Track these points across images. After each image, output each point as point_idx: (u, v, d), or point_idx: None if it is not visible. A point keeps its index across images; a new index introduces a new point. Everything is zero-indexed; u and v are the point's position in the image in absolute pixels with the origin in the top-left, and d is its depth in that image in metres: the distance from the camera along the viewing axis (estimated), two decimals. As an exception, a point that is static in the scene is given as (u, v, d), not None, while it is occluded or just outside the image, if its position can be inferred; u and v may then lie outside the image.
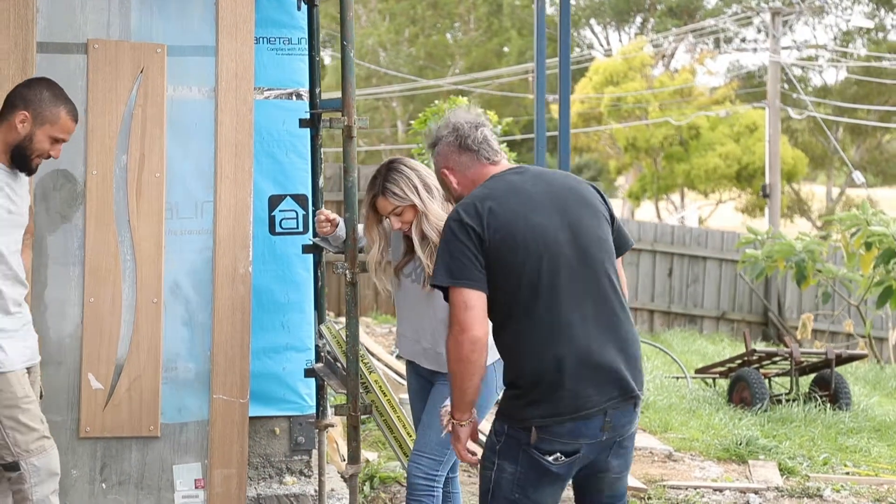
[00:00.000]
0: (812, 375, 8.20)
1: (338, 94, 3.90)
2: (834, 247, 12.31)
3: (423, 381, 3.90)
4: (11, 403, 3.48)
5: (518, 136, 22.90)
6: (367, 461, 5.49)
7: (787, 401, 7.69)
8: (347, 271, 3.76)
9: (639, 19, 33.26)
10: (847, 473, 5.96)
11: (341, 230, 3.94)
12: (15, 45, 3.95)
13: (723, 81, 30.52)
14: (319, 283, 4.51)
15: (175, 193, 4.11)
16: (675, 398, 7.94)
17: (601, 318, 2.92)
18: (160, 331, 4.07)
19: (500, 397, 3.40)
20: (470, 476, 5.35)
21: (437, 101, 9.90)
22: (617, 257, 3.06)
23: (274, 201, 4.53)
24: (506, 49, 30.21)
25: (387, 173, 3.71)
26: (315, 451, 4.67)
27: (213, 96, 4.12)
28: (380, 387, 4.07)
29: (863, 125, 26.83)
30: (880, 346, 13.20)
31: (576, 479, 3.03)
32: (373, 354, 7.79)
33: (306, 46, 4.50)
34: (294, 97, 4.51)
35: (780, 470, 5.90)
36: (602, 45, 33.42)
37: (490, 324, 2.95)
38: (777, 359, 8.28)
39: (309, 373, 4.50)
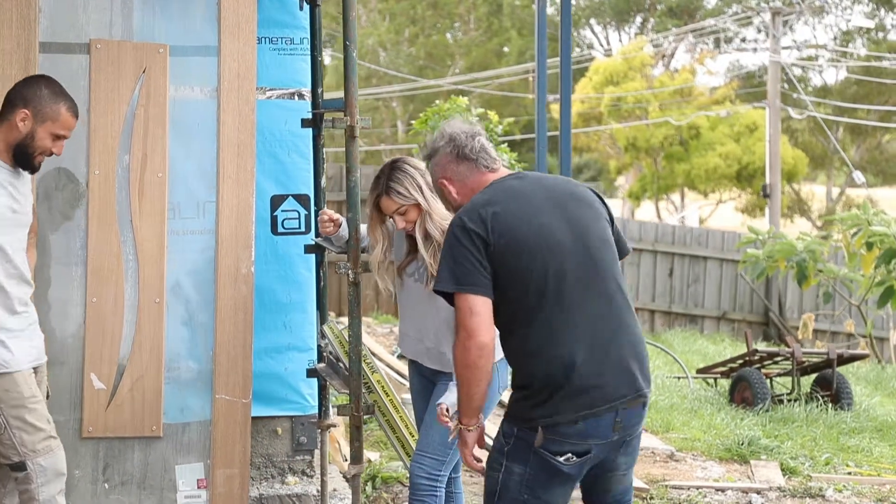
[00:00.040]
0: (814, 375, 8.19)
1: (339, 95, 3.90)
2: (835, 247, 12.31)
3: (425, 381, 3.89)
4: (18, 403, 3.47)
5: (518, 136, 22.90)
6: (369, 461, 5.48)
7: (789, 401, 7.69)
8: (350, 271, 3.76)
9: (639, 19, 33.27)
10: (849, 473, 5.96)
11: (344, 230, 3.94)
12: (17, 45, 3.95)
13: (723, 81, 30.55)
14: (321, 283, 4.50)
15: (177, 193, 4.11)
16: (676, 398, 7.94)
17: (609, 318, 2.93)
18: (162, 331, 4.06)
19: (502, 398, 3.39)
20: (472, 476, 5.34)
21: (437, 101, 9.90)
22: None
23: (276, 201, 4.53)
24: (506, 49, 30.22)
25: (390, 173, 3.71)
26: (317, 452, 4.66)
27: (215, 96, 4.12)
28: (382, 387, 4.07)
29: (863, 125, 26.84)
30: (881, 346, 13.20)
31: (584, 478, 3.03)
32: (374, 354, 7.78)
33: (308, 46, 4.50)
34: (296, 97, 4.51)
35: (782, 470, 5.90)
36: (602, 45, 33.44)
37: (497, 330, 2.95)
38: (779, 359, 8.28)
39: (311, 373, 4.49)
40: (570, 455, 2.88)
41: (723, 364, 8.67)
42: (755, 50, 30.58)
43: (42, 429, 3.52)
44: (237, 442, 4.10)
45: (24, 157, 3.52)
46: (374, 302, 12.34)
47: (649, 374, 3.01)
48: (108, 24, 4.07)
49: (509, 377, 3.94)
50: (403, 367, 7.65)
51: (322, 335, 4.43)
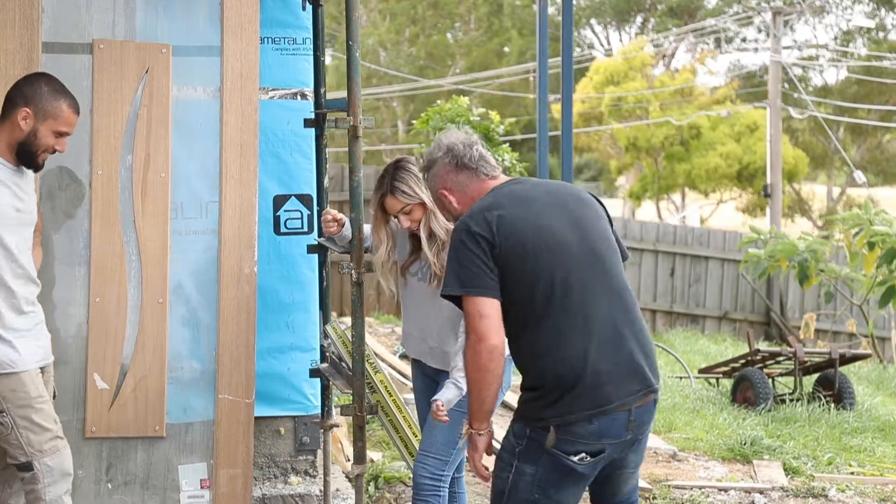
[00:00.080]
0: (816, 375, 8.19)
1: (341, 94, 3.90)
2: (836, 246, 12.29)
3: (428, 381, 3.89)
4: (25, 403, 3.47)
5: (518, 136, 22.90)
6: (372, 461, 5.48)
7: (791, 401, 7.69)
8: (353, 271, 3.76)
9: (639, 19, 33.27)
10: (852, 473, 5.96)
11: (347, 230, 3.94)
12: (20, 45, 3.95)
13: (723, 81, 30.55)
14: (324, 283, 4.50)
15: (180, 193, 4.10)
16: (678, 398, 7.94)
17: (616, 315, 2.94)
18: (165, 331, 4.06)
19: (505, 398, 3.38)
20: (474, 476, 5.34)
21: (438, 102, 9.90)
22: None
23: (279, 201, 4.53)
24: (506, 49, 30.22)
25: (394, 172, 3.71)
26: (320, 452, 4.66)
27: (218, 96, 4.12)
28: (385, 387, 4.07)
29: (863, 125, 26.83)
30: (883, 346, 13.20)
31: (594, 478, 3.02)
32: (376, 354, 7.78)
33: (311, 46, 4.50)
34: (299, 97, 4.50)
35: (785, 470, 5.90)
36: (602, 45, 33.44)
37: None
38: (781, 358, 8.28)
39: (314, 373, 4.49)
40: (583, 455, 2.88)
41: (725, 364, 8.67)
42: (756, 50, 30.61)
43: (49, 429, 3.51)
44: (240, 442, 4.10)
45: (27, 156, 3.52)
46: (375, 302, 12.33)
47: (658, 370, 3.03)
48: (110, 24, 4.07)
49: (513, 377, 3.95)
50: (405, 367, 7.65)
51: (325, 335, 4.43)
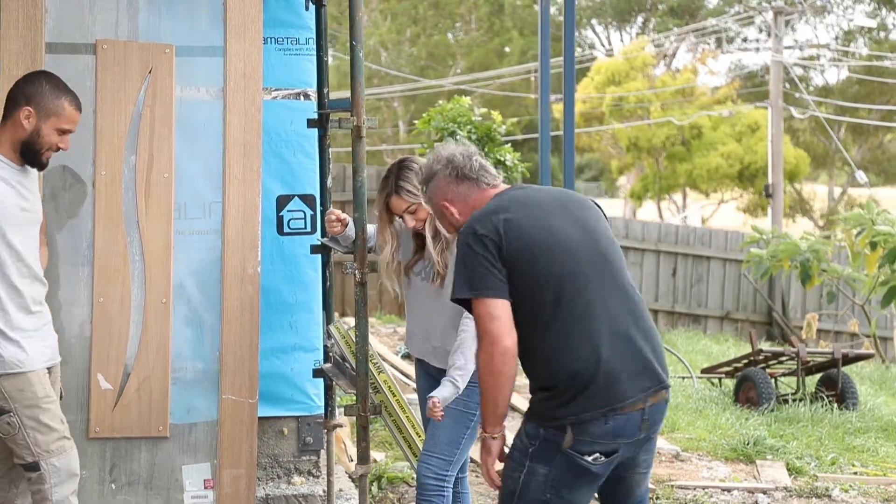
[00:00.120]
0: (818, 375, 8.19)
1: (341, 95, 3.90)
2: (838, 246, 12.29)
3: (431, 381, 3.89)
4: (32, 403, 3.47)
5: (519, 137, 22.90)
6: (375, 461, 5.48)
7: (794, 400, 7.68)
8: (357, 271, 3.76)
9: (640, 19, 33.26)
10: (855, 473, 5.95)
11: (350, 230, 3.94)
12: (24, 46, 3.95)
13: (724, 81, 30.55)
14: (328, 284, 4.50)
15: (183, 194, 4.10)
16: (681, 398, 7.93)
17: (625, 313, 2.95)
18: (169, 331, 4.06)
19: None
20: (478, 476, 5.34)
21: (440, 102, 9.89)
22: None
23: (282, 201, 4.53)
24: (507, 49, 30.21)
25: (399, 172, 3.71)
26: (323, 452, 4.66)
27: (221, 97, 4.12)
28: (389, 387, 4.07)
29: (864, 125, 26.82)
30: (885, 346, 13.19)
31: (605, 481, 3.02)
32: (378, 355, 7.78)
33: (314, 46, 4.50)
34: (302, 97, 4.50)
35: (788, 470, 5.90)
36: (603, 45, 33.43)
37: None
38: (783, 358, 8.27)
39: (317, 373, 4.49)
40: (598, 455, 2.88)
41: (727, 364, 8.66)
42: (757, 49, 30.61)
43: (56, 429, 3.51)
44: (244, 442, 4.09)
45: (31, 155, 3.52)
46: (377, 302, 12.33)
47: (667, 367, 3.04)
48: (114, 24, 4.07)
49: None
50: (407, 367, 7.65)
51: (328, 335, 4.43)
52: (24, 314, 3.48)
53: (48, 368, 3.58)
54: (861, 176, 19.76)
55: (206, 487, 4.10)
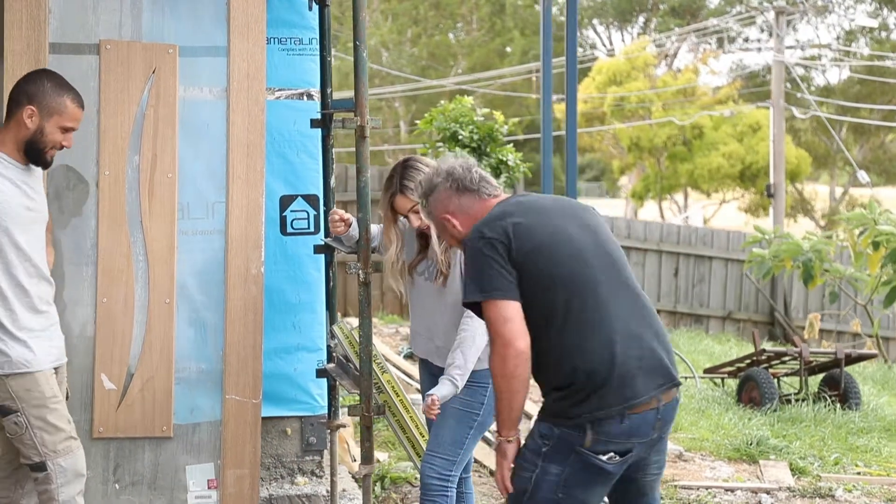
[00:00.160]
0: (821, 375, 8.18)
1: (343, 95, 3.90)
2: (841, 246, 12.28)
3: (435, 381, 3.88)
4: (39, 403, 3.47)
5: (521, 137, 22.91)
6: (379, 461, 5.48)
7: (797, 400, 7.67)
8: (360, 271, 3.76)
9: (641, 19, 33.26)
10: (858, 473, 5.95)
11: (354, 230, 3.94)
12: (27, 46, 3.95)
13: (726, 81, 30.54)
14: (331, 284, 4.50)
15: (187, 194, 4.10)
16: (683, 398, 7.91)
17: (635, 312, 2.97)
18: (172, 331, 4.06)
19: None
20: (481, 476, 5.34)
21: (442, 102, 9.89)
22: None
23: (285, 202, 4.53)
24: (508, 49, 30.22)
25: (403, 171, 3.72)
26: (326, 452, 4.66)
27: (224, 97, 4.12)
28: (392, 387, 4.07)
29: (866, 124, 26.82)
30: (888, 346, 13.18)
31: (616, 485, 3.03)
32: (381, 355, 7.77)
33: (317, 47, 4.50)
34: (305, 97, 4.50)
35: (791, 470, 5.89)
36: (605, 45, 33.44)
37: None
38: (786, 358, 8.26)
39: (321, 373, 4.49)
40: (612, 454, 2.89)
41: (730, 364, 8.65)
42: (758, 49, 30.59)
43: (63, 429, 3.51)
44: (247, 442, 4.09)
45: (35, 154, 3.52)
46: (379, 302, 12.32)
47: (676, 365, 3.05)
48: (117, 24, 4.07)
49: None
50: (410, 368, 7.65)
51: (331, 335, 4.43)
52: (31, 314, 3.48)
53: (55, 368, 3.58)
54: (863, 176, 19.75)
55: (209, 487, 4.10)
